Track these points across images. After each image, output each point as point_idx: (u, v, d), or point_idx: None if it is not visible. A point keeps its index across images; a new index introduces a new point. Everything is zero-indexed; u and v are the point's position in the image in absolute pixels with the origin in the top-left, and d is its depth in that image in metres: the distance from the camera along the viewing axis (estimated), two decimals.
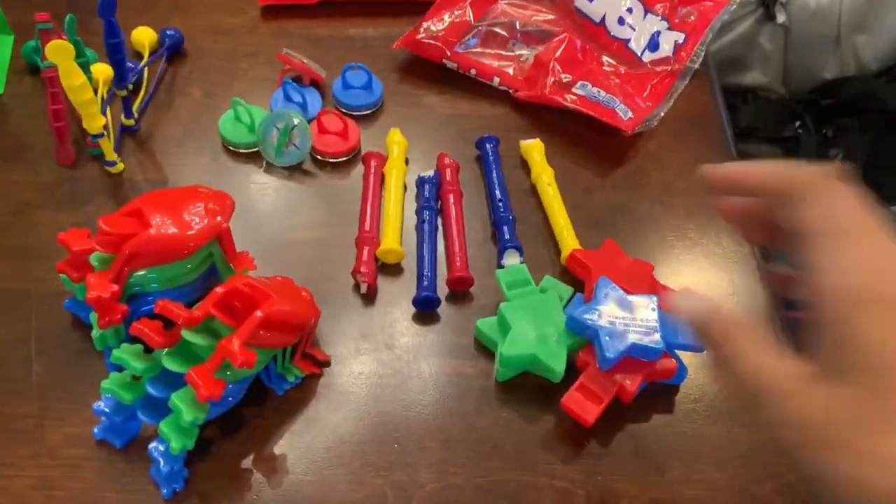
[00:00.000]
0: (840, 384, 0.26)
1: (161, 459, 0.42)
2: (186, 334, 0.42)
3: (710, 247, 0.57)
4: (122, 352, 0.42)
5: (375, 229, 0.55)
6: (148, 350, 0.43)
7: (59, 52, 0.48)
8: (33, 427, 0.46)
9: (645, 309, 0.47)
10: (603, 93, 0.63)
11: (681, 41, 0.68)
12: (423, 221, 0.55)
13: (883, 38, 1.12)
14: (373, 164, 0.59)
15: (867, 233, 0.27)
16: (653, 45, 0.68)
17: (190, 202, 0.48)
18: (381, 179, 0.59)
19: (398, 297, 0.53)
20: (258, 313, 0.42)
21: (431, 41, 0.66)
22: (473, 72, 0.66)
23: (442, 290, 0.53)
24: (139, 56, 0.65)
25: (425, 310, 0.52)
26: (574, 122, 0.63)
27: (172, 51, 0.66)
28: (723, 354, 0.29)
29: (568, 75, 0.64)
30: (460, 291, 0.53)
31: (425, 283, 0.52)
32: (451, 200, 0.57)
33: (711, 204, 0.35)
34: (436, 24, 0.67)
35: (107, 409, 0.44)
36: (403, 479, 0.45)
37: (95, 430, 0.45)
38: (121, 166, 0.59)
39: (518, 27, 0.68)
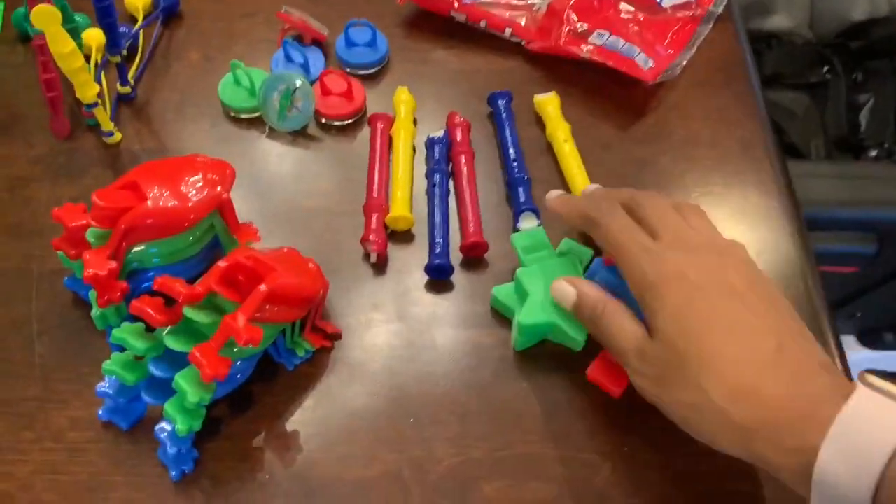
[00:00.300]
0: (655, 341, 0.39)
1: (168, 441, 0.41)
2: (188, 312, 0.40)
3: (737, 202, 0.54)
4: (123, 331, 0.41)
5: (384, 195, 0.53)
6: (150, 328, 0.42)
7: (44, 17, 0.46)
8: (36, 410, 0.45)
9: None
10: (621, 41, 0.60)
11: None
12: (434, 185, 0.53)
13: None
14: (379, 125, 0.56)
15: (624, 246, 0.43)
16: None
17: (188, 172, 0.46)
18: (389, 142, 0.56)
19: (410, 265, 0.51)
20: (262, 287, 0.40)
21: None
22: (483, 23, 0.63)
23: (455, 257, 0.51)
24: (133, 20, 0.63)
25: (438, 278, 0.50)
26: (591, 74, 0.60)
27: (168, 13, 0.64)
28: (601, 324, 0.42)
29: (584, 24, 0.61)
30: (474, 257, 0.51)
31: (437, 249, 0.50)
32: (463, 162, 0.54)
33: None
34: None
35: (110, 391, 0.42)
36: (420, 455, 0.44)
37: (100, 412, 0.44)
38: (118, 136, 0.56)
39: None
